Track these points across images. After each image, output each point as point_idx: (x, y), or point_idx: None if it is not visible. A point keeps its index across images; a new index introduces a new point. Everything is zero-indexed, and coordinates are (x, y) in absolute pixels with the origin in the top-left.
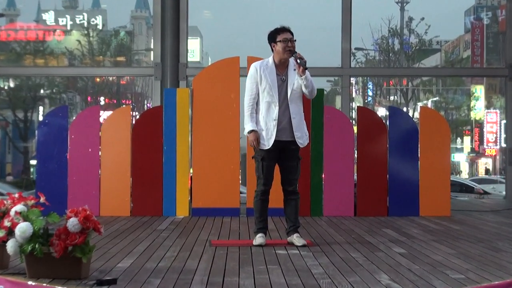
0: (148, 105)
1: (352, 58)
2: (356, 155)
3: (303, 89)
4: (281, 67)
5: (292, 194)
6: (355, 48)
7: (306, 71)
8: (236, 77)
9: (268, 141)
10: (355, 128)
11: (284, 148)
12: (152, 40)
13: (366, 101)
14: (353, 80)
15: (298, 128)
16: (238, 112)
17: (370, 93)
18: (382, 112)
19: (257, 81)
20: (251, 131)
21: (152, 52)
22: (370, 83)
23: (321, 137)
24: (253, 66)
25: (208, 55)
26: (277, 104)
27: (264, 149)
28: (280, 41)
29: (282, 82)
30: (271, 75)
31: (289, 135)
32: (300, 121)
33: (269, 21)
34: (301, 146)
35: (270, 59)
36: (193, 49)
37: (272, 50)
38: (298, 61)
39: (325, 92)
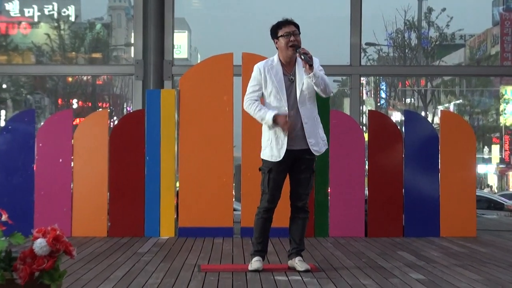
0: (128, 108)
1: (362, 54)
2: (367, 167)
3: (315, 88)
4: (288, 66)
5: (301, 212)
6: (366, 44)
7: (315, 66)
8: (230, 77)
9: (279, 152)
10: (366, 136)
11: (297, 158)
12: (132, 34)
13: (378, 104)
14: (363, 80)
15: (312, 133)
16: (232, 117)
17: (383, 95)
18: (397, 116)
19: (261, 84)
20: (274, 117)
21: (132, 47)
22: (383, 83)
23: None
24: (256, 67)
25: (197, 51)
26: (287, 108)
27: (276, 161)
28: (282, 36)
29: (291, 83)
30: (277, 76)
31: (302, 143)
32: (314, 126)
33: (268, 12)
34: (317, 154)
35: (275, 58)
36: (180, 44)
37: (277, 48)
38: (302, 57)
39: (331, 94)
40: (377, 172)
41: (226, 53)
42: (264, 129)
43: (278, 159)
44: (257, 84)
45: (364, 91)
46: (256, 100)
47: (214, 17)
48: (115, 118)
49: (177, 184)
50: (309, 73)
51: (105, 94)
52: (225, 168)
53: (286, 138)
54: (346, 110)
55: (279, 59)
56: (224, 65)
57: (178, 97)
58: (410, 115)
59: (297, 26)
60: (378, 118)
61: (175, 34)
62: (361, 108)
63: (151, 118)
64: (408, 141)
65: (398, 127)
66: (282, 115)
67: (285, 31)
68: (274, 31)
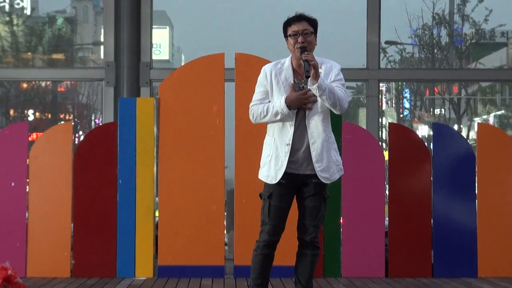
0: (97, 121)
1: (381, 55)
2: (387, 192)
3: (324, 102)
4: (301, 71)
5: (309, 247)
6: (386, 42)
7: (331, 75)
8: (221, 82)
9: (276, 173)
10: (386, 154)
11: (303, 183)
12: (102, 31)
13: (401, 115)
14: (383, 86)
15: (321, 156)
16: (223, 132)
17: (406, 105)
18: (423, 131)
19: (268, 91)
20: (285, 100)
21: (102, 47)
22: (407, 90)
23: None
24: (262, 70)
25: (180, 51)
26: (293, 123)
27: (272, 183)
28: (290, 35)
29: (301, 91)
30: (285, 82)
31: (308, 168)
32: (323, 147)
33: (267, 3)
34: (326, 182)
35: (287, 61)
36: (160, 43)
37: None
38: (303, 63)
39: (343, 111)
40: (400, 198)
41: (216, 53)
42: (266, 142)
43: (274, 182)
44: (264, 91)
45: (384, 100)
46: (262, 103)
47: (201, 10)
48: (80, 132)
49: (157, 213)
50: (313, 84)
51: (68, 103)
52: (215, 193)
53: (286, 158)
54: (362, 123)
55: (291, 62)
56: (214, 68)
57: (158, 107)
58: (440, 129)
59: (312, 23)
60: (401, 133)
61: (154, 30)
62: (380, 121)
63: (125, 133)
64: (437, 160)
65: (425, 144)
66: (292, 92)
67: (293, 29)
68: (285, 29)
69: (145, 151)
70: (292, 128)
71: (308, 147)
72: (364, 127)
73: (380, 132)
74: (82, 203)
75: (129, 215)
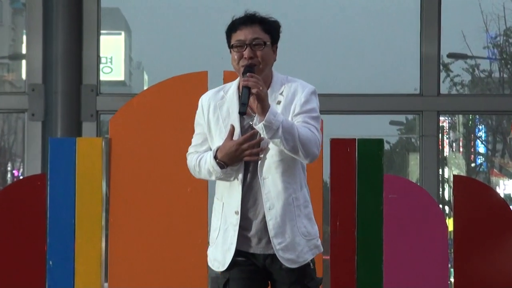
0: (15, 173)
1: (443, 75)
2: (452, 279)
3: (278, 147)
4: (253, 99)
5: None
6: (450, 55)
7: (271, 109)
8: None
9: (224, 256)
10: (450, 223)
11: (267, 270)
12: (24, 38)
13: (473, 165)
14: (445, 121)
15: (281, 228)
16: (206, 188)
17: (481, 149)
18: (508, 187)
19: (205, 133)
20: (215, 152)
21: (24, 62)
22: (481, 126)
23: (378, 238)
24: (199, 102)
25: (142, 67)
26: (241, 177)
27: (219, 271)
28: (232, 46)
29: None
30: (228, 118)
31: (264, 245)
32: (285, 213)
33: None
34: (290, 265)
35: (233, 85)
36: (112, 56)
37: None
38: (241, 90)
39: (386, 147)
40: (473, 283)
41: (195, 72)
42: (214, 208)
43: (222, 269)
44: (200, 133)
45: (446, 142)
46: (199, 154)
47: (174, 8)
48: None
49: None
50: (259, 122)
51: None
52: (196, 279)
53: (236, 234)
54: (413, 175)
55: (238, 88)
56: (194, 93)
57: (108, 152)
58: None
59: (269, 26)
60: (473, 191)
61: (102, 37)
62: (440, 172)
63: (58, 191)
64: None
65: (510, 206)
66: (225, 141)
67: (237, 38)
68: (227, 36)
69: (88, 219)
70: (240, 187)
71: (263, 216)
72: (417, 181)
73: (440, 189)
74: None
75: None
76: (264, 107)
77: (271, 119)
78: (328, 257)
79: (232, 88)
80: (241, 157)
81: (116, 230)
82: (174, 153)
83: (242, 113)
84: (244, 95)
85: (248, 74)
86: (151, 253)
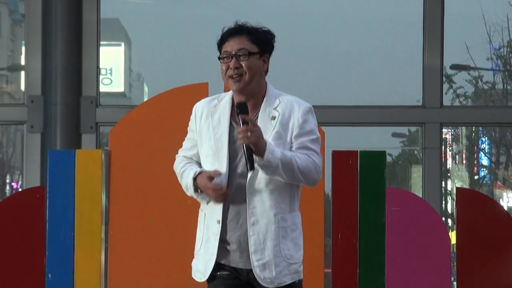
0: (14, 185)
1: (445, 86)
2: None
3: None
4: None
5: None
6: (453, 67)
7: (269, 153)
8: None
9: (205, 266)
10: (453, 236)
11: (250, 283)
12: (23, 50)
13: (476, 177)
14: (448, 133)
15: (262, 245)
16: None
17: (484, 161)
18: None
19: (195, 139)
20: (194, 178)
21: (23, 73)
22: (484, 139)
23: (380, 251)
24: (194, 108)
25: (142, 78)
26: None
27: (201, 281)
28: (219, 58)
29: (242, 144)
30: (218, 126)
31: (246, 259)
32: (268, 232)
33: (270, 9)
34: (267, 285)
35: (228, 94)
36: (111, 68)
37: None
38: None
39: (388, 159)
40: None
41: (195, 83)
42: (198, 219)
43: (203, 279)
44: (191, 138)
45: (449, 154)
46: (186, 161)
47: (174, 19)
48: None
49: None
50: (258, 160)
51: None
52: None
53: (216, 244)
54: (416, 187)
55: (232, 97)
56: (193, 104)
57: (108, 164)
58: None
59: (258, 37)
60: (476, 203)
61: (102, 49)
62: (443, 185)
63: (57, 203)
64: None
65: None
66: (204, 175)
67: (224, 49)
68: (218, 47)
69: (87, 231)
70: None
71: (246, 232)
72: (419, 194)
73: (443, 202)
74: None
75: None
76: (260, 149)
77: (269, 158)
78: (330, 270)
79: (226, 97)
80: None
81: (116, 243)
82: (171, 164)
83: (251, 169)
84: (246, 149)
85: (241, 116)
86: (151, 265)
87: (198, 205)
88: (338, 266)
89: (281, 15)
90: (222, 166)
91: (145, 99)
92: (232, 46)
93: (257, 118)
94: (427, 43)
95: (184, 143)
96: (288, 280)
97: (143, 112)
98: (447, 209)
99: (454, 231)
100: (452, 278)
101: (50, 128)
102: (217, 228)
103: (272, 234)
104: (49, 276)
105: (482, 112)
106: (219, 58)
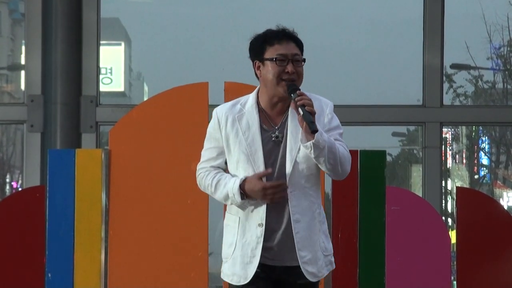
0: (14, 185)
1: (445, 86)
2: None
3: (318, 163)
4: (273, 113)
5: None
6: (453, 66)
7: (322, 125)
8: (203, 122)
9: (246, 269)
10: (453, 235)
11: (281, 281)
12: (23, 49)
13: (476, 176)
14: (448, 132)
15: (307, 243)
16: (207, 202)
17: (484, 161)
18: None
19: (221, 147)
20: (241, 184)
21: (23, 73)
22: (484, 138)
23: (380, 250)
24: (214, 115)
25: (142, 79)
26: None
27: (238, 285)
28: (271, 59)
29: (275, 146)
30: (249, 131)
31: (288, 257)
32: (310, 228)
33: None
34: (312, 279)
35: (251, 98)
36: (111, 67)
37: (257, 77)
38: (300, 110)
39: (388, 159)
40: None
41: (196, 83)
42: (226, 223)
43: (243, 282)
44: (215, 147)
45: (449, 153)
46: (215, 171)
47: (174, 19)
48: None
49: None
50: (307, 141)
51: None
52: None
53: (260, 245)
54: (416, 187)
55: (257, 100)
56: (194, 103)
57: (107, 163)
58: None
59: (301, 46)
60: (476, 203)
61: (102, 48)
62: (443, 185)
63: (57, 202)
64: None
65: None
66: (249, 182)
67: (279, 51)
68: (259, 47)
69: (87, 231)
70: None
71: (289, 226)
72: (420, 193)
73: (443, 201)
74: None
75: None
76: (312, 130)
77: (319, 139)
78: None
79: (249, 101)
80: (263, 199)
81: (116, 242)
82: (174, 164)
83: (315, 131)
84: (305, 115)
85: (298, 92)
86: (151, 265)
87: (198, 205)
88: (338, 265)
89: (281, 15)
90: (258, 169)
91: (145, 98)
92: (287, 49)
93: (286, 119)
94: (427, 43)
95: (204, 153)
96: (326, 272)
97: (143, 111)
98: (447, 209)
99: (454, 231)
100: (452, 278)
101: (50, 128)
102: (260, 231)
103: (313, 230)
104: (49, 275)
105: (482, 111)
106: (270, 59)
